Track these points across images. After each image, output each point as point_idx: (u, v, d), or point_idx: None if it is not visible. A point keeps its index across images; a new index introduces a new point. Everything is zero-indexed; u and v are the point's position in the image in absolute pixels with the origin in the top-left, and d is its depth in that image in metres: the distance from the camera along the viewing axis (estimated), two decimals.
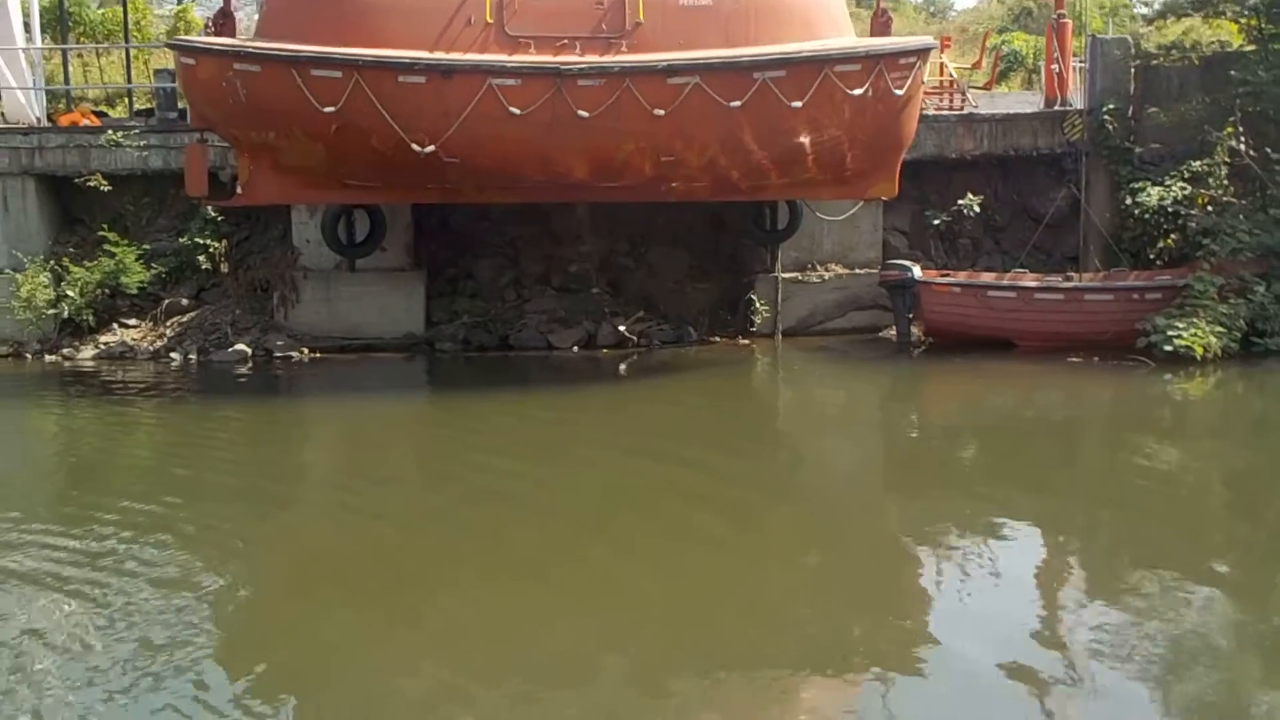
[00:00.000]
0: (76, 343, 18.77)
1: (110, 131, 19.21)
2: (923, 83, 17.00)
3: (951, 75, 20.87)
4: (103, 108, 23.13)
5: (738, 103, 15.36)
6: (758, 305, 19.43)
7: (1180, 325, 16.63)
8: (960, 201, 20.01)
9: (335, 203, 17.82)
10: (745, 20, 15.65)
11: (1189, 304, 17.04)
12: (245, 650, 8.16)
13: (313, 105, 14.90)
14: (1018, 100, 22.46)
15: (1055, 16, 20.04)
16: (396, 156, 15.35)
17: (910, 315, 18.55)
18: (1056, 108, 20.13)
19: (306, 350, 18.54)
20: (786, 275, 19.56)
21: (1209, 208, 18.60)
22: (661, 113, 15.22)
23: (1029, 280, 18.33)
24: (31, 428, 15.52)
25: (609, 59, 15.35)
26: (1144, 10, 26.58)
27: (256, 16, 18.79)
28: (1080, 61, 20.54)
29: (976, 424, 14.91)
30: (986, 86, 21.75)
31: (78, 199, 19.54)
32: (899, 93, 15.98)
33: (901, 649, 7.88)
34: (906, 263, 18.70)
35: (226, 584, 9.28)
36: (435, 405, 16.75)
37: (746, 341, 19.24)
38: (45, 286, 18.63)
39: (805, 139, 15.96)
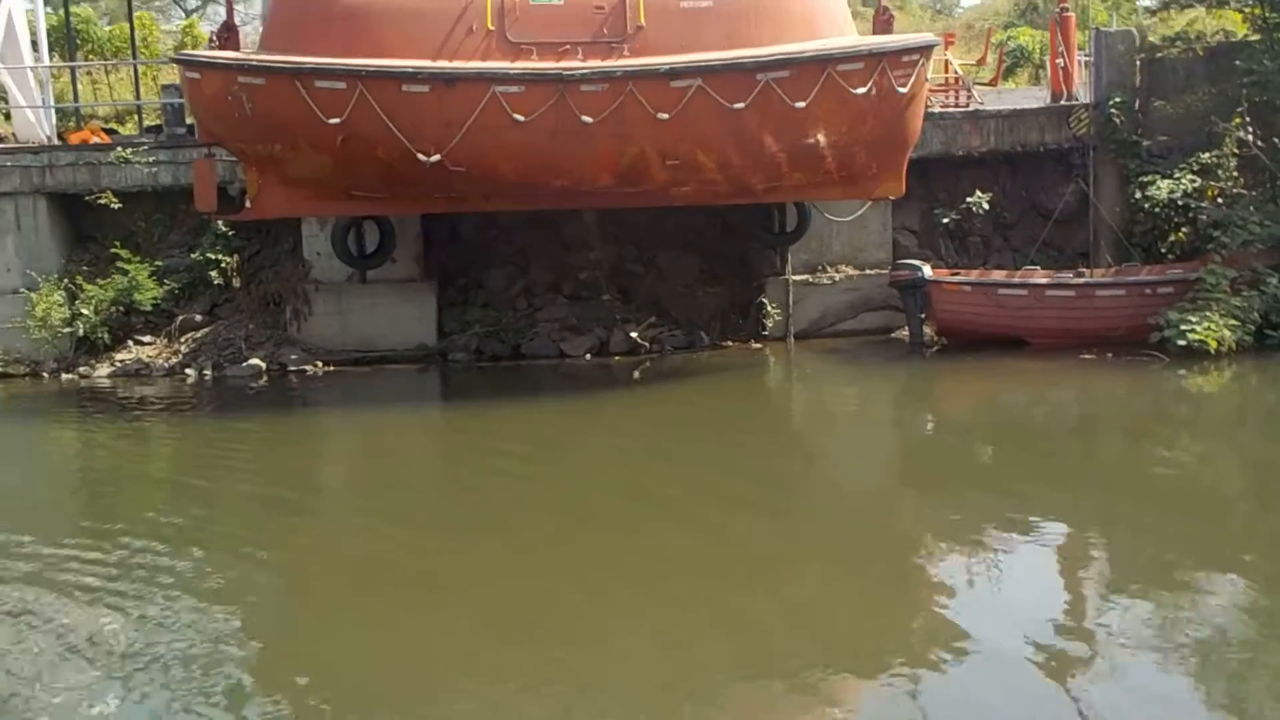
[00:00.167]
0: (92, 361, 18.87)
1: (119, 149, 19.32)
2: (927, 80, 16.97)
3: (957, 72, 20.82)
4: (113, 125, 23.25)
5: (741, 104, 15.34)
6: (769, 308, 19.43)
7: (1193, 319, 16.55)
8: (969, 199, 19.97)
9: (344, 214, 17.88)
10: (747, 21, 15.64)
11: (1201, 298, 16.96)
12: (272, 658, 8.20)
13: (318, 117, 14.94)
14: (1024, 96, 22.38)
15: (1059, 10, 19.99)
16: (402, 166, 15.40)
17: (922, 315, 18.50)
18: (1063, 103, 20.07)
19: (320, 363, 18.61)
20: (797, 278, 19.56)
21: (1219, 200, 18.51)
22: (665, 116, 15.21)
23: (1040, 277, 18.26)
24: (52, 445, 15.62)
25: (611, 63, 15.35)
26: (1148, 2, 26.46)
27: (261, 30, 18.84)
28: (1085, 55, 20.47)
29: (992, 422, 14.85)
30: (992, 83, 21.74)
31: (89, 217, 19.65)
32: (903, 91, 15.94)
33: (929, 645, 7.84)
34: (917, 262, 18.65)
35: (251, 593, 9.35)
36: (450, 415, 16.78)
37: (759, 345, 19.24)
38: (60, 305, 18.75)
39: (810, 139, 15.93)
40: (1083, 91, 20.28)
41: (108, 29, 29.84)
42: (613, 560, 9.93)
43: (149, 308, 18.99)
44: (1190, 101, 19.17)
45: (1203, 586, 8.87)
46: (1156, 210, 18.84)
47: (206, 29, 28.80)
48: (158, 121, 21.46)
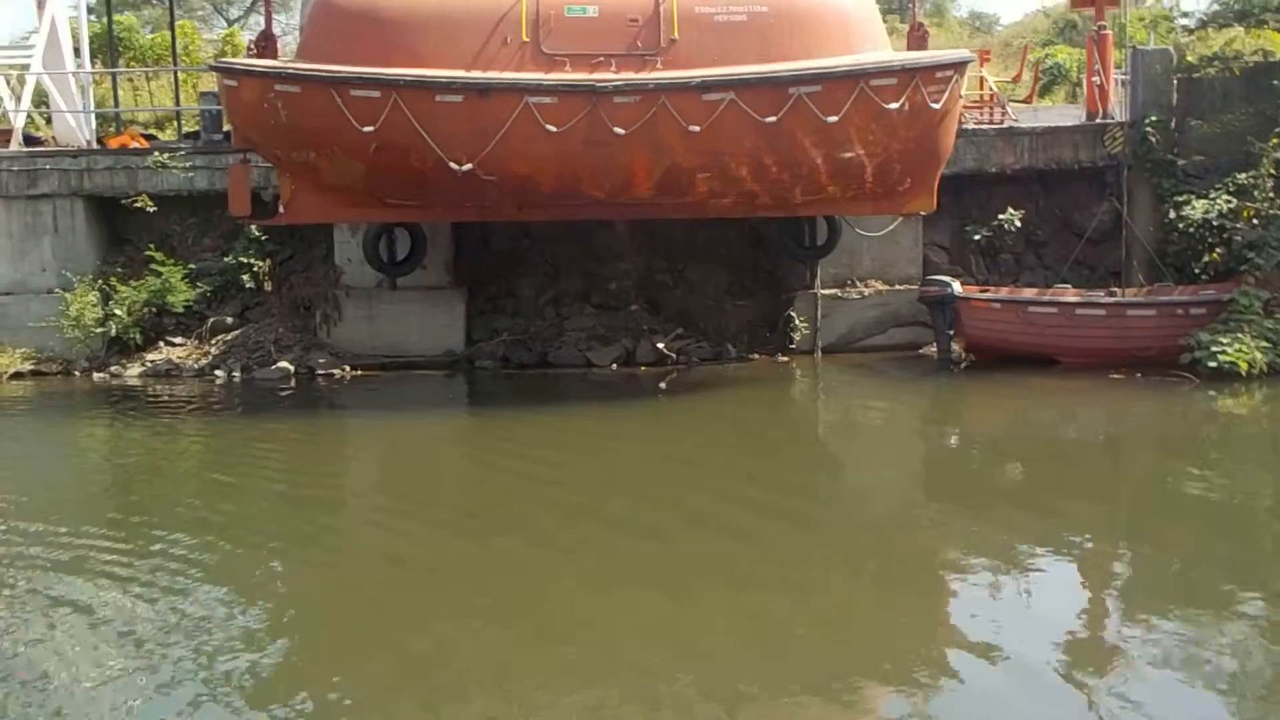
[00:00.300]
0: (124, 360, 19.08)
1: (156, 153, 19.55)
2: (960, 96, 16.92)
3: (992, 89, 20.76)
4: (152, 130, 23.54)
5: (773, 118, 15.36)
6: (797, 322, 19.39)
7: (1225, 341, 16.43)
8: (1001, 216, 19.88)
9: (376, 221, 18.04)
10: (780, 35, 15.65)
11: (1234, 319, 16.84)
12: (296, 648, 8.31)
13: (352, 125, 15.08)
14: (1060, 114, 22.27)
15: (1096, 28, 19.89)
16: (435, 175, 15.51)
17: (950, 332, 18.43)
18: (1098, 120, 19.97)
19: (348, 368, 18.72)
20: (826, 292, 19.52)
21: (1254, 221, 18.33)
22: (697, 129, 15.25)
23: (1070, 296, 18.15)
24: (86, 441, 15.85)
25: (644, 76, 15.42)
26: (1185, 21, 26.29)
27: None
28: (1122, 74, 20.36)
29: (1019, 441, 14.75)
30: (1027, 100, 21.62)
31: (125, 219, 19.91)
32: (936, 106, 15.90)
33: (951, 658, 7.85)
34: (946, 278, 18.58)
35: (277, 585, 9.54)
36: (476, 421, 16.87)
37: (786, 359, 19.21)
38: (94, 305, 18.98)
39: (841, 154, 15.93)
40: (1118, 110, 20.17)
41: (150, 37, 30.18)
42: (634, 565, 9.95)
43: (181, 309, 19.21)
44: (1227, 121, 19.04)
45: (1230, 608, 8.77)
46: (1191, 230, 18.68)
47: (247, 38, 29.11)
48: (196, 128, 21.70)
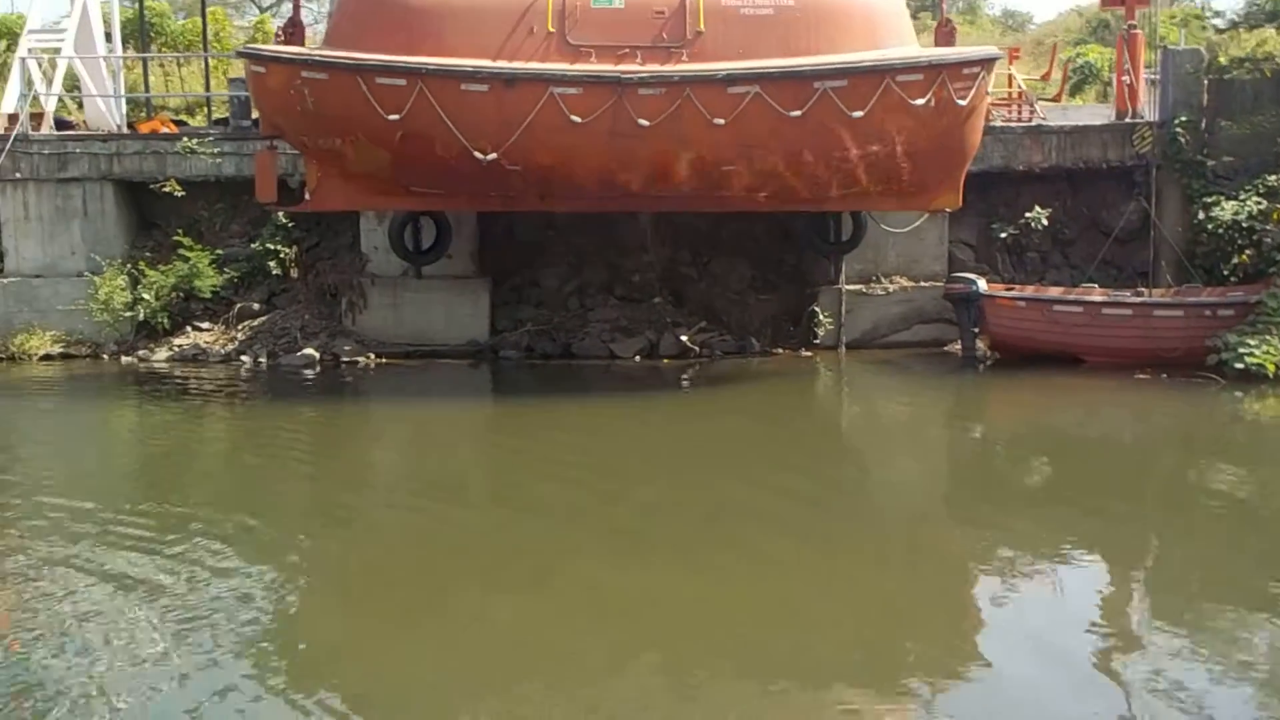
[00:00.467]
0: (151, 344, 19.26)
1: (185, 139, 19.70)
2: (988, 93, 16.84)
3: (1021, 87, 20.64)
4: (183, 116, 23.70)
5: (798, 112, 15.34)
6: (821, 317, 19.36)
7: (1252, 342, 16.34)
8: (1028, 214, 19.79)
9: (401, 209, 18.11)
10: (806, 29, 15.63)
11: (1261, 321, 16.71)
12: (312, 643, 8.31)
13: (378, 113, 15.16)
14: (1091, 113, 22.11)
15: (1126, 28, 19.75)
16: (460, 164, 15.56)
17: (975, 329, 18.36)
18: (1127, 120, 19.83)
19: (373, 355, 18.82)
20: (850, 287, 19.48)
21: None
22: (721, 122, 15.25)
23: (1096, 295, 18.05)
24: (116, 422, 16.05)
25: (669, 68, 15.42)
26: (1217, 22, 26.05)
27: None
28: (1152, 74, 20.21)
29: (1042, 441, 14.63)
30: (1056, 98, 21.48)
31: (154, 204, 20.09)
32: (962, 103, 15.84)
33: (958, 668, 7.75)
34: (971, 276, 18.53)
35: (296, 578, 9.52)
36: (499, 411, 16.93)
37: (809, 354, 19.19)
38: (122, 289, 19.17)
39: (867, 149, 15.89)
40: (1148, 109, 20.03)
41: (182, 23, 30.37)
42: (646, 567, 9.87)
43: (208, 295, 19.38)
44: (1257, 122, 18.92)
45: (1263, 602, 8.69)
46: (1220, 231, 18.56)
47: (278, 25, 29.27)
48: (226, 114, 21.85)
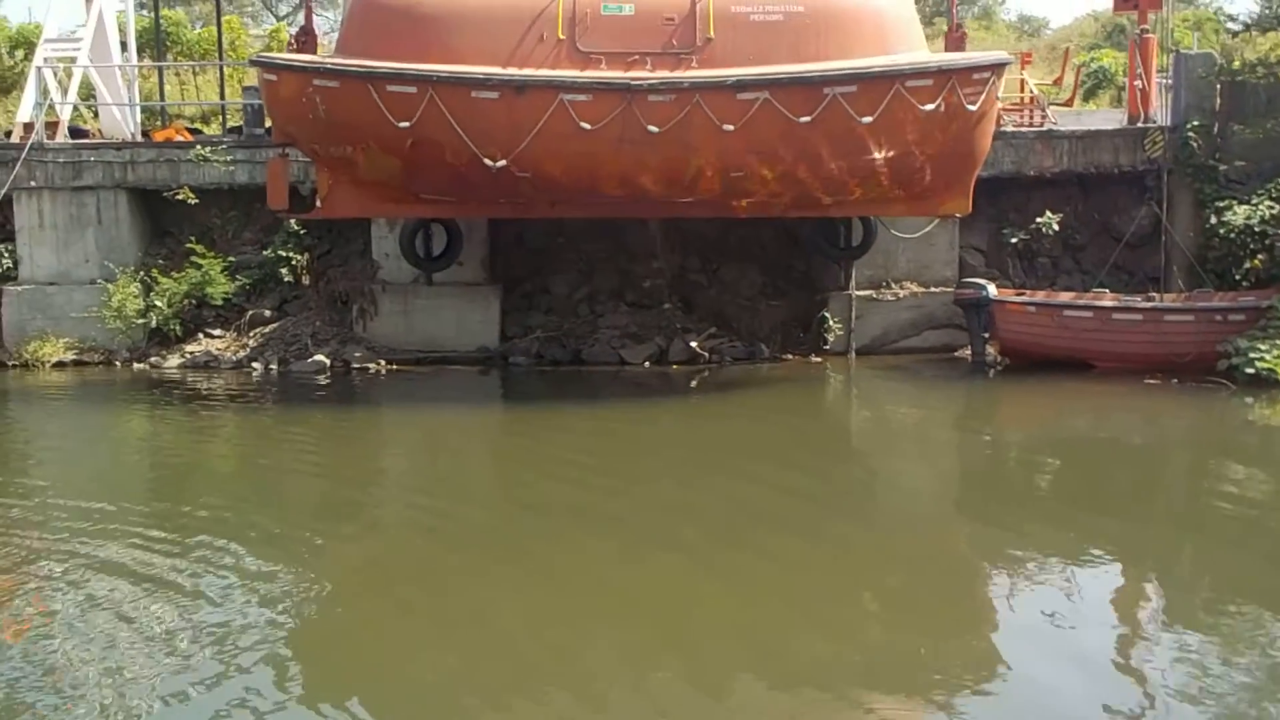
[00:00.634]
0: (163, 351, 19.36)
1: (199, 147, 19.82)
2: (998, 98, 16.82)
3: (1033, 92, 20.61)
4: (198, 125, 23.85)
5: (807, 118, 15.34)
6: (831, 323, 19.35)
7: (1263, 347, 16.27)
8: (1039, 219, 19.74)
9: (412, 216, 18.18)
10: (816, 35, 15.63)
11: (1273, 326, 16.64)
12: (322, 643, 8.39)
13: (389, 120, 15.22)
14: (1103, 118, 22.09)
15: (1139, 32, 19.71)
16: (470, 171, 15.62)
17: (985, 335, 18.33)
18: (1139, 124, 19.79)
19: (383, 362, 18.88)
20: (860, 293, 19.46)
21: None
22: (731, 128, 15.26)
23: (1106, 300, 18.01)
24: (128, 427, 16.16)
25: (679, 74, 15.45)
26: (1231, 25, 25.98)
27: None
28: (1165, 78, 20.16)
29: (1052, 446, 14.62)
30: (1068, 103, 21.44)
31: (167, 212, 20.20)
32: (972, 108, 15.82)
33: (969, 671, 7.74)
34: (982, 281, 18.49)
35: (307, 580, 9.56)
36: (512, 414, 17.00)
37: (819, 359, 19.18)
38: (135, 297, 19.28)
39: (876, 155, 15.87)
40: (1160, 114, 19.98)
41: (197, 32, 30.58)
42: (657, 571, 9.89)
43: (220, 302, 19.47)
44: (1270, 127, 18.86)
45: (1261, 626, 8.61)
46: (1232, 236, 18.49)
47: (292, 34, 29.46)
48: (240, 123, 21.98)
